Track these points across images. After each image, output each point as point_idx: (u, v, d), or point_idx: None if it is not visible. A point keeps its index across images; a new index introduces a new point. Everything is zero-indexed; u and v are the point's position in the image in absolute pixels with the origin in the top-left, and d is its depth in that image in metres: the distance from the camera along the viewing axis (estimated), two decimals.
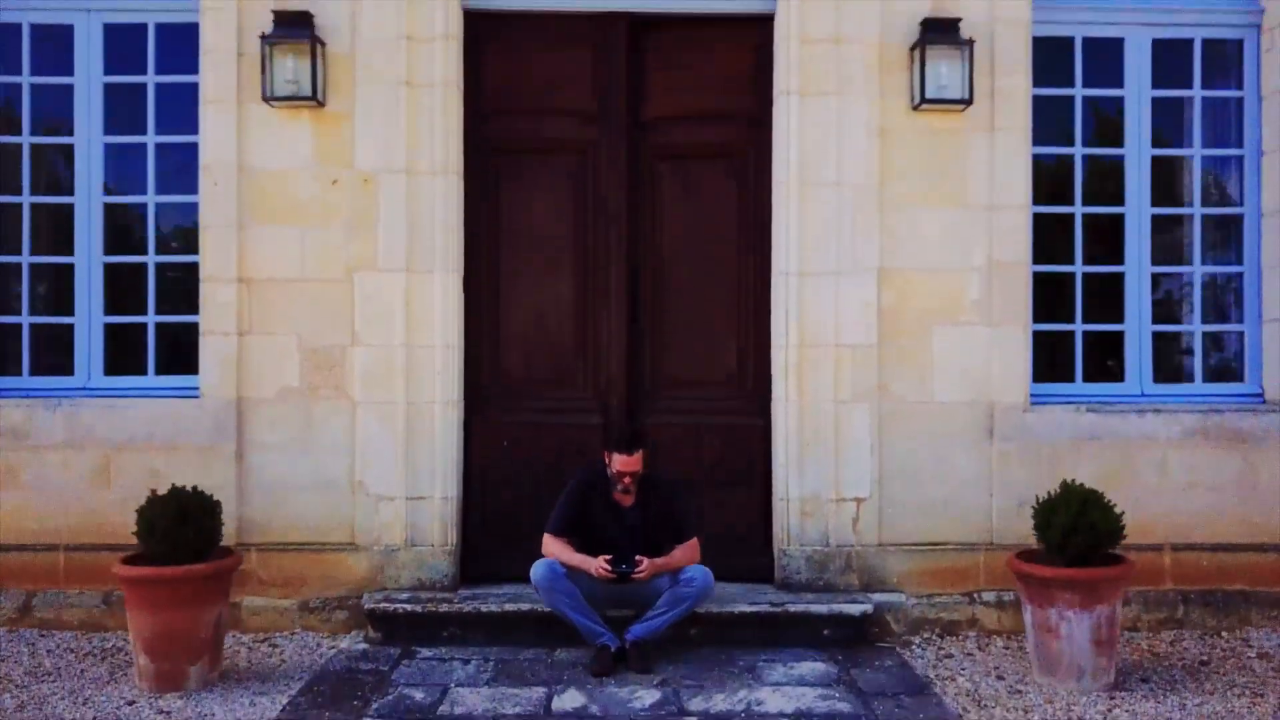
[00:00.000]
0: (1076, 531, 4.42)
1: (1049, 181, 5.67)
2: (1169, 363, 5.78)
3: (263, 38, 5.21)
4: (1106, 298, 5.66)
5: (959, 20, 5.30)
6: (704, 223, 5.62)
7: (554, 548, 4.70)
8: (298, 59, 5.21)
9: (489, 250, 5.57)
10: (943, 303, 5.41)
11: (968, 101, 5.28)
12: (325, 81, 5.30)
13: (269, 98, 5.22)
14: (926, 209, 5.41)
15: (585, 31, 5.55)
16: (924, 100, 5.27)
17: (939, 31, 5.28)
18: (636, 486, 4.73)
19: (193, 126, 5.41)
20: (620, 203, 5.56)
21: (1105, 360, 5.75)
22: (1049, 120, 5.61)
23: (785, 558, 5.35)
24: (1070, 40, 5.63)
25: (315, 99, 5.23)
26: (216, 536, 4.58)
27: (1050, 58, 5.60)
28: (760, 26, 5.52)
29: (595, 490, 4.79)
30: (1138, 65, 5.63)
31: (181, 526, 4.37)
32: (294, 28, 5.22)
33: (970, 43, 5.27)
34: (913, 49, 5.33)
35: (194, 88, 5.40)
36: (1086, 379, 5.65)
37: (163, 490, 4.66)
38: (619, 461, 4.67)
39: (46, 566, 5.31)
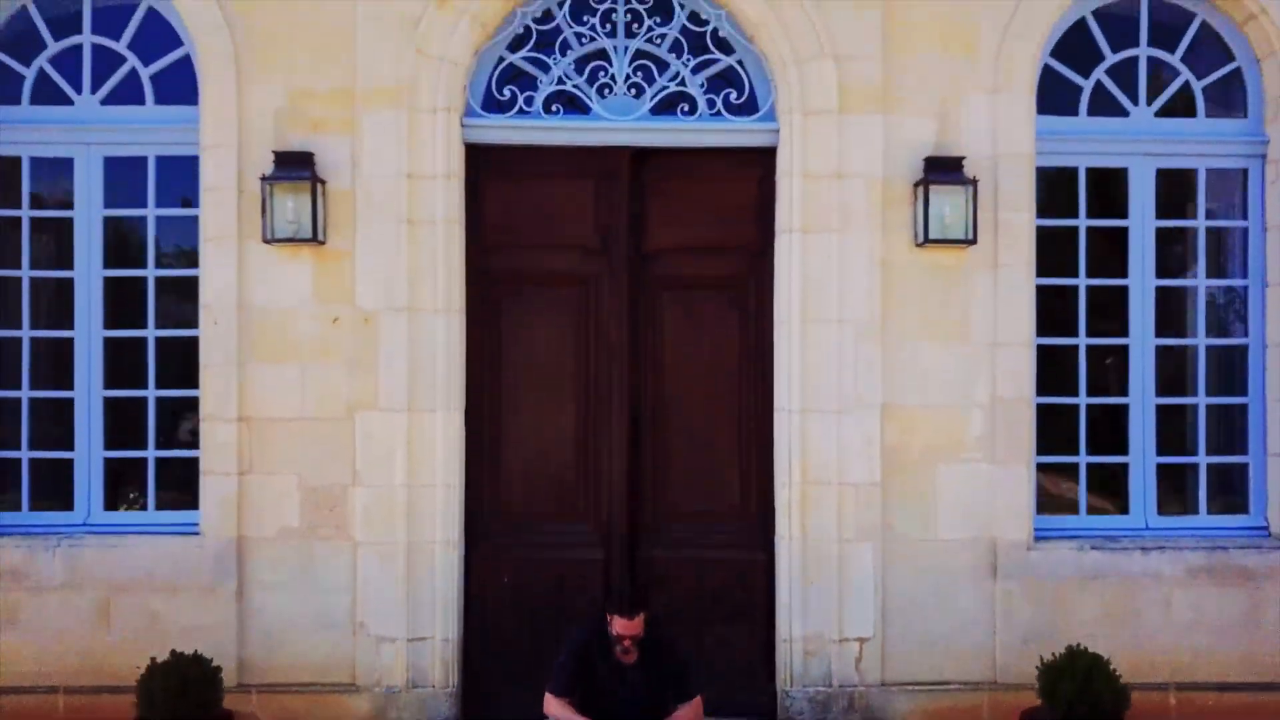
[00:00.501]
0: (1082, 702, 4.41)
1: (1052, 309, 5.65)
2: (1173, 490, 5.75)
3: (263, 179, 5.19)
4: (1111, 426, 5.65)
5: (962, 159, 5.29)
6: (706, 353, 5.60)
7: (555, 709, 4.67)
8: (298, 199, 5.19)
9: (490, 382, 5.55)
10: (946, 439, 5.39)
11: (971, 241, 5.26)
12: (326, 220, 5.28)
13: (269, 239, 5.20)
14: (929, 345, 5.39)
15: (587, 164, 5.51)
16: (927, 240, 5.26)
17: (942, 171, 5.26)
18: (638, 645, 4.70)
19: (193, 259, 5.41)
20: (622, 333, 5.54)
21: (1109, 479, 5.73)
22: (1052, 248, 5.60)
23: (788, 699, 5.32)
24: (1074, 170, 5.61)
25: (316, 239, 5.21)
26: (217, 708, 4.57)
27: (1053, 186, 5.59)
28: (762, 158, 5.50)
29: (596, 648, 4.75)
30: (1142, 195, 5.60)
31: (181, 699, 4.37)
32: (294, 168, 5.19)
33: (974, 182, 5.25)
34: (916, 185, 5.31)
35: (194, 220, 5.40)
36: (1091, 494, 5.62)
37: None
38: (619, 624, 4.64)
39: (46, 709, 5.27)
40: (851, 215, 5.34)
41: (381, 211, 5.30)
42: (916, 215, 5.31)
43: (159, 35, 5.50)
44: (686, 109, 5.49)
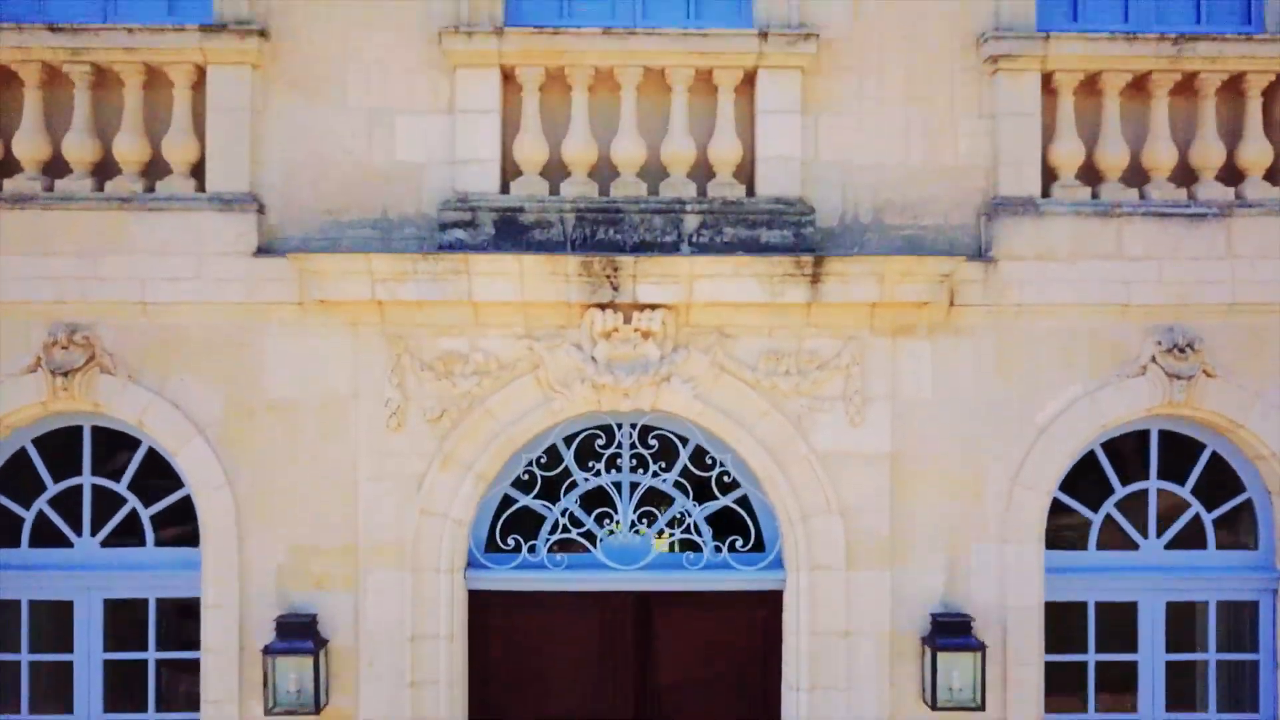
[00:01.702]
0: None
1: None
2: None
3: (265, 650, 5.13)
4: None
5: (970, 622, 5.24)
6: None
7: None
8: (300, 670, 5.13)
9: None
10: None
11: (980, 708, 5.20)
12: (329, 684, 5.24)
13: (271, 709, 5.14)
14: None
15: (592, 604, 5.46)
16: (936, 706, 5.20)
17: (950, 634, 5.20)
18: None
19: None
20: None
21: None
22: (1061, 679, 5.55)
23: None
24: (1083, 604, 5.55)
25: (318, 709, 5.16)
26: None
27: (1063, 619, 5.54)
28: (770, 596, 5.44)
29: None
30: (1151, 629, 5.54)
31: None
32: (297, 638, 5.15)
33: (983, 647, 5.18)
34: (924, 642, 5.26)
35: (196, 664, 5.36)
36: None
37: None
38: None
39: None
40: (858, 674, 5.29)
41: (385, 673, 5.25)
42: (924, 677, 5.26)
43: (159, 474, 5.46)
44: (692, 554, 5.44)
